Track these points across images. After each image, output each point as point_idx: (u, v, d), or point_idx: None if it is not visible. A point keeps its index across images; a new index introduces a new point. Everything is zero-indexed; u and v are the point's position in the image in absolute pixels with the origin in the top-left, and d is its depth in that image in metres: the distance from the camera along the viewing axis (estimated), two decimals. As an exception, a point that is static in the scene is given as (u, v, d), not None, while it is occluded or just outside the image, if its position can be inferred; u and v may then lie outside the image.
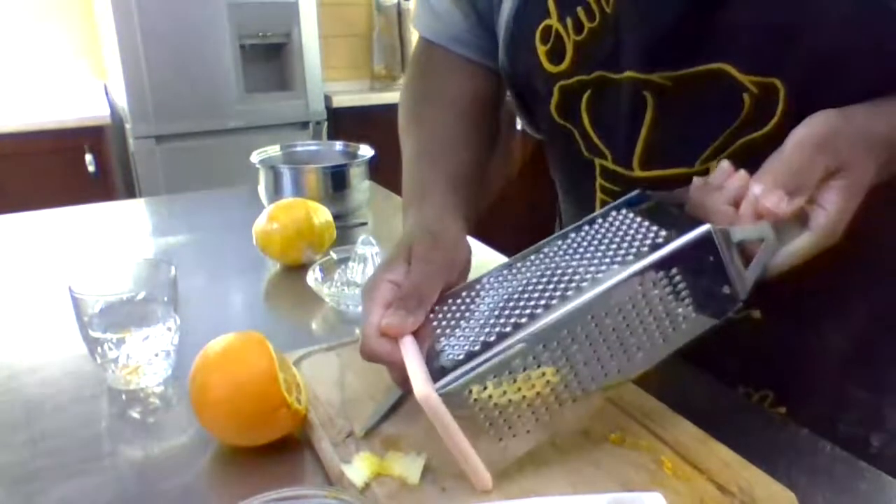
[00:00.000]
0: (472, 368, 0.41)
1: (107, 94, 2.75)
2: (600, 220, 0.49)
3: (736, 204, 0.46)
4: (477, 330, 0.44)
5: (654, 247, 0.43)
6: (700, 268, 0.43)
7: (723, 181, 0.47)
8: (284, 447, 0.51)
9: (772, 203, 0.44)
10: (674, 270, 0.42)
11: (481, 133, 0.69)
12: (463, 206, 0.59)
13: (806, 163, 0.45)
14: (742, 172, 0.47)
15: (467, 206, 0.60)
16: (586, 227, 0.49)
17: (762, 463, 0.45)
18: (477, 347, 0.42)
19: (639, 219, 0.46)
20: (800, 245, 0.46)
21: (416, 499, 0.44)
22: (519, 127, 1.77)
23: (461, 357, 0.42)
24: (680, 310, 0.43)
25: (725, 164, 0.48)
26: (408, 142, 0.68)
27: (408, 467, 0.45)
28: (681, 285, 0.43)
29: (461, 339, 0.44)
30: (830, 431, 0.53)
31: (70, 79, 2.77)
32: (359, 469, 0.45)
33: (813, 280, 0.59)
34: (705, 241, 0.42)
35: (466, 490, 0.44)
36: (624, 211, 0.48)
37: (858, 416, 0.62)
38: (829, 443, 0.51)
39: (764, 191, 0.44)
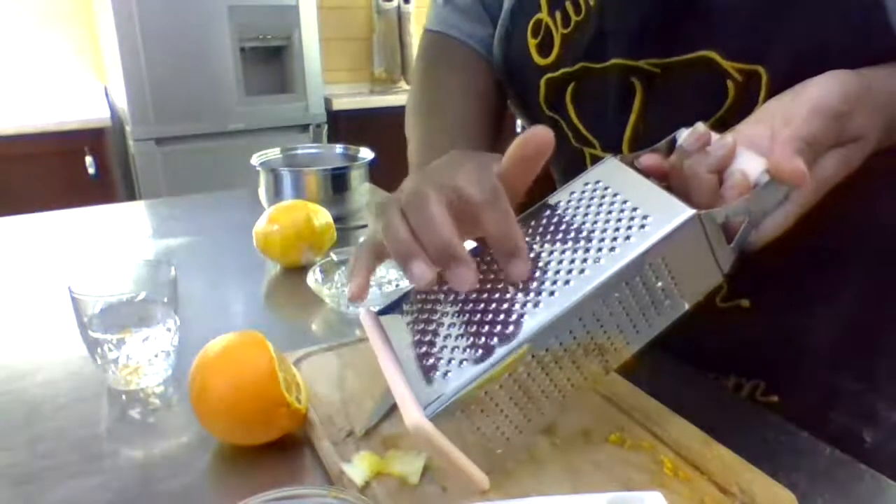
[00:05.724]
0: (460, 389, 0.39)
1: (107, 96, 2.76)
2: (574, 196, 0.46)
3: (718, 171, 0.43)
4: (460, 339, 0.42)
5: (639, 235, 0.40)
6: (685, 253, 0.41)
7: (699, 146, 0.44)
8: (284, 447, 0.51)
9: (795, 175, 0.40)
10: (659, 260, 0.40)
11: (493, 117, 0.70)
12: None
13: (822, 134, 0.42)
14: (728, 139, 0.43)
15: None
16: (563, 204, 0.46)
17: (763, 464, 0.45)
18: (462, 363, 0.40)
19: (614, 195, 0.44)
20: (782, 218, 0.43)
21: (416, 498, 0.44)
22: (519, 129, 1.78)
23: (448, 372, 0.41)
24: (664, 295, 0.42)
25: (701, 127, 0.45)
26: (417, 126, 0.68)
27: (408, 466, 0.45)
28: (664, 271, 0.41)
29: (444, 348, 0.42)
30: (823, 425, 0.53)
31: (71, 81, 2.78)
32: (359, 468, 0.45)
33: (800, 268, 0.59)
34: (691, 228, 0.40)
35: (466, 490, 0.43)
36: (600, 184, 0.45)
37: (850, 409, 0.62)
38: (829, 445, 0.51)
39: (783, 158, 0.40)
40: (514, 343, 0.40)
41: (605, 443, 0.48)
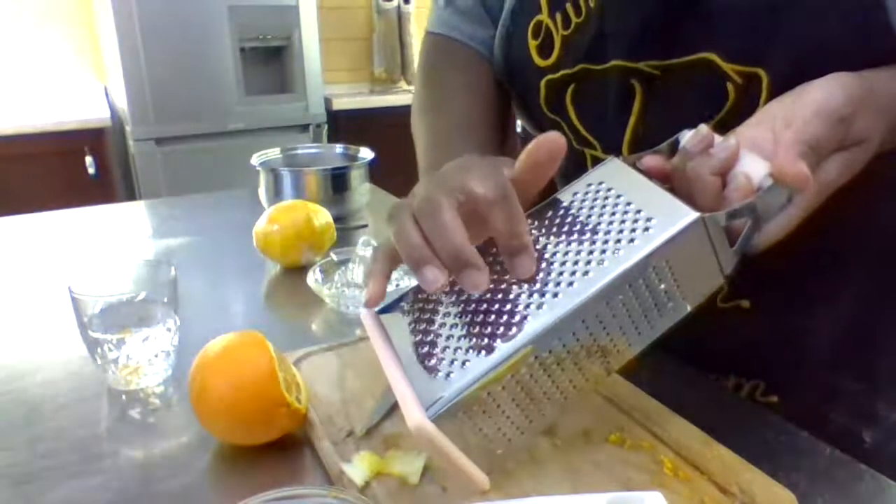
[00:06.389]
0: (462, 390, 0.39)
1: (107, 96, 2.76)
2: (577, 197, 0.46)
3: (721, 174, 0.43)
4: (463, 339, 0.42)
5: (642, 237, 0.40)
6: (688, 255, 0.41)
7: (702, 148, 0.44)
8: (284, 447, 0.51)
9: (799, 179, 0.40)
10: (663, 262, 0.40)
11: (498, 117, 0.70)
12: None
13: (825, 137, 0.42)
14: (731, 141, 0.43)
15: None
16: (565, 205, 0.46)
17: (763, 464, 0.45)
18: (464, 364, 0.40)
19: (617, 196, 0.44)
20: (785, 221, 0.43)
21: (416, 498, 0.44)
22: (519, 129, 1.77)
23: (450, 373, 0.41)
24: (667, 297, 0.42)
25: (704, 129, 0.44)
26: (424, 126, 0.68)
27: (408, 466, 0.45)
28: (668, 273, 0.41)
29: (446, 349, 0.42)
30: (823, 425, 0.53)
31: (71, 81, 2.78)
32: (359, 468, 0.45)
33: (801, 269, 0.59)
34: (695, 231, 0.40)
35: (466, 489, 0.43)
36: (605, 186, 0.45)
37: (850, 409, 0.62)
38: (829, 445, 0.51)
39: (787, 162, 0.41)
40: (516, 344, 0.40)
41: (605, 443, 0.48)
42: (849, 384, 0.63)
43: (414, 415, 0.39)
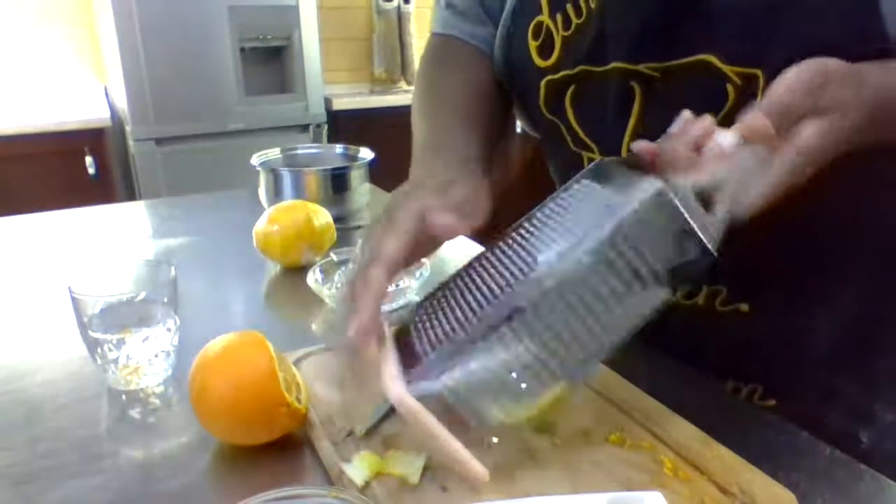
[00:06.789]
0: (443, 369, 0.41)
1: (107, 96, 2.76)
2: (564, 195, 0.47)
3: (696, 148, 0.44)
4: (448, 327, 0.44)
5: (609, 215, 0.41)
6: (663, 226, 0.41)
7: (685, 130, 0.45)
8: (284, 447, 0.51)
9: (763, 133, 0.42)
10: (635, 234, 0.41)
11: (497, 114, 0.70)
12: (476, 152, 0.60)
13: (793, 103, 0.43)
14: (706, 119, 0.44)
15: (481, 155, 0.60)
16: (551, 205, 0.47)
17: (763, 464, 0.45)
18: (444, 345, 0.42)
19: (600, 187, 0.45)
20: (764, 186, 0.43)
21: (416, 498, 0.44)
22: (519, 130, 1.77)
23: (434, 354, 0.42)
24: (647, 269, 0.42)
25: (687, 114, 0.46)
26: (422, 124, 0.68)
27: (408, 466, 0.45)
28: (647, 248, 0.41)
29: (436, 339, 0.44)
30: (820, 426, 0.53)
31: (71, 81, 2.78)
32: (359, 468, 0.45)
33: (800, 270, 0.59)
34: (661, 200, 0.41)
35: (466, 489, 0.44)
36: (589, 182, 0.46)
37: (848, 410, 0.62)
38: (829, 445, 0.51)
39: (751, 118, 0.42)
40: (494, 320, 0.41)
41: (605, 443, 0.48)
42: (847, 385, 0.63)
43: (397, 390, 0.41)
